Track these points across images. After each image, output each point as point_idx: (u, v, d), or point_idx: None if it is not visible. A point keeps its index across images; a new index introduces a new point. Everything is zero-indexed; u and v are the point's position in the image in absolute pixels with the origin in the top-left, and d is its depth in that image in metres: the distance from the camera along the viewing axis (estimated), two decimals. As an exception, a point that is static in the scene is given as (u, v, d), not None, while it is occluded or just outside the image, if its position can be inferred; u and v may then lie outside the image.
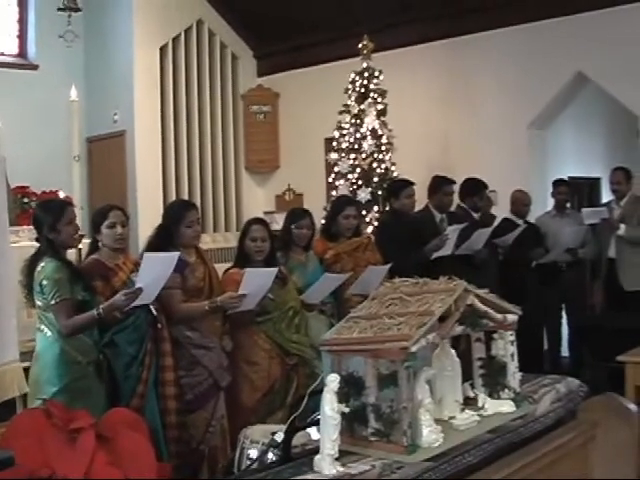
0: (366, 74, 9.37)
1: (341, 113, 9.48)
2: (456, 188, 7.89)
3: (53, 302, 4.56)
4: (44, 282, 4.60)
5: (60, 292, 4.56)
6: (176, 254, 4.73)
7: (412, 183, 7.53)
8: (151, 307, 4.89)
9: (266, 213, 11.02)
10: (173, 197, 10.72)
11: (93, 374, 4.67)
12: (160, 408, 4.90)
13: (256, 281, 5.14)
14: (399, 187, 7.58)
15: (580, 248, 8.29)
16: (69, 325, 4.56)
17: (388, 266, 6.17)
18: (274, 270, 5.25)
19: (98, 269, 4.92)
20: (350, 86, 9.42)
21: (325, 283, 5.83)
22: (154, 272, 4.61)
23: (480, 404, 3.18)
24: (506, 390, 3.26)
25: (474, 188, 8.00)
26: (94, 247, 5.07)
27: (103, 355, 4.79)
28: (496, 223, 8.19)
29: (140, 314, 4.85)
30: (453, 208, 7.96)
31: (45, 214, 4.86)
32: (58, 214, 4.80)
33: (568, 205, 8.83)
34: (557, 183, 8.74)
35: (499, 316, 3.17)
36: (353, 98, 9.39)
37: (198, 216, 5.41)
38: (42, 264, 4.65)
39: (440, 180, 7.75)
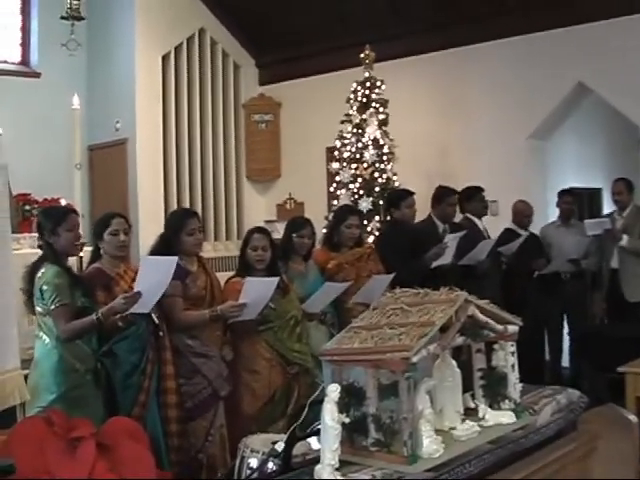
0: (368, 84, 9.37)
1: (343, 123, 9.47)
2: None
3: (53, 307, 4.56)
4: (44, 287, 4.60)
5: (60, 297, 4.57)
6: (174, 258, 4.72)
7: (412, 193, 7.54)
8: (153, 315, 4.89)
9: (267, 222, 11.01)
10: (174, 205, 10.73)
11: (91, 383, 4.66)
12: (161, 416, 4.90)
13: (256, 290, 5.14)
14: (399, 197, 7.59)
15: (583, 259, 8.29)
16: (68, 330, 4.56)
17: (391, 275, 6.16)
18: (275, 280, 5.25)
19: (100, 278, 4.92)
20: (352, 96, 9.41)
21: (326, 292, 5.83)
22: (153, 276, 4.60)
23: (481, 415, 3.18)
24: (506, 401, 3.27)
25: (471, 193, 8.05)
26: (96, 255, 5.07)
27: (101, 364, 4.78)
28: (497, 233, 8.21)
29: (142, 323, 4.85)
30: (459, 219, 7.98)
31: (47, 218, 4.88)
32: (60, 219, 4.81)
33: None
34: (562, 193, 8.74)
35: (500, 327, 3.18)
36: (355, 108, 9.39)
37: (199, 224, 5.41)
38: (42, 270, 4.66)
39: (444, 190, 7.77)
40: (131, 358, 4.82)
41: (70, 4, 9.49)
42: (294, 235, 6.14)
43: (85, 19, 10.01)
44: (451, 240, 7.13)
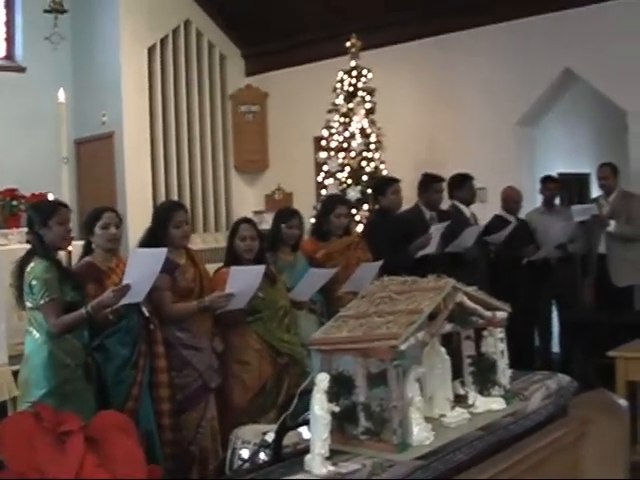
0: (354, 73, 9.37)
1: (330, 112, 9.47)
2: (446, 186, 7.92)
3: (42, 302, 4.55)
4: (33, 282, 4.59)
5: (49, 292, 4.55)
6: (164, 250, 4.72)
7: (397, 180, 7.56)
8: (143, 309, 4.88)
9: (256, 213, 11.02)
10: (162, 198, 10.70)
11: (82, 377, 4.65)
12: (154, 410, 4.90)
13: (243, 279, 5.14)
14: (385, 184, 7.61)
15: (570, 244, 8.30)
16: (58, 324, 4.55)
17: (380, 262, 6.17)
18: (261, 267, 5.25)
19: (91, 272, 4.91)
20: (338, 85, 9.42)
21: (312, 279, 5.82)
22: (142, 268, 4.60)
23: (470, 401, 3.18)
24: (496, 387, 3.27)
25: (460, 181, 8.07)
26: (88, 249, 5.06)
27: (92, 358, 4.78)
28: (486, 220, 8.23)
29: (133, 316, 4.85)
30: (446, 206, 7.99)
31: (38, 210, 4.88)
32: (52, 211, 4.80)
33: (557, 201, 8.84)
34: (545, 179, 8.76)
35: (488, 313, 3.18)
36: (342, 97, 9.39)
37: (187, 217, 5.41)
38: (32, 264, 4.64)
39: (430, 178, 7.77)
40: (122, 352, 4.82)
41: (53, -3, 9.47)
42: (283, 225, 6.14)
43: (68, 12, 9.98)
44: (435, 231, 7.15)
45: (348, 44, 9.48)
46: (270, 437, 3.03)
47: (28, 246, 4.86)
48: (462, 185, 8.07)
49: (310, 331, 5.11)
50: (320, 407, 2.65)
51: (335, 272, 5.98)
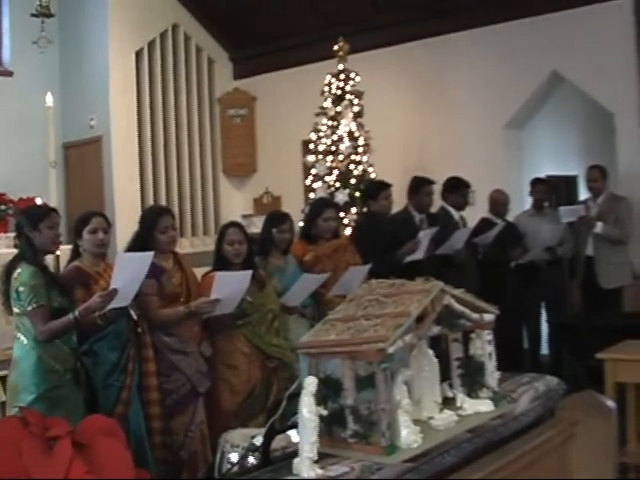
0: (342, 76, 9.38)
1: (318, 115, 9.47)
2: (436, 188, 7.90)
3: (29, 308, 4.53)
4: (20, 288, 4.57)
5: (36, 298, 4.54)
6: (150, 254, 4.71)
7: (389, 185, 7.54)
8: (132, 313, 4.88)
9: (244, 216, 11.01)
10: (151, 202, 10.70)
11: (71, 382, 4.64)
12: (144, 414, 4.90)
13: (228, 285, 5.13)
14: (376, 189, 7.58)
15: (558, 246, 8.32)
16: (46, 331, 4.54)
17: (368, 266, 6.15)
18: (248, 273, 5.23)
19: (79, 276, 4.90)
20: (326, 88, 9.42)
21: (304, 284, 5.81)
22: (129, 272, 4.60)
23: (459, 404, 3.18)
24: (484, 389, 3.26)
25: (455, 185, 8.05)
26: (75, 253, 5.05)
27: (81, 363, 4.76)
28: (474, 223, 8.23)
29: (121, 321, 4.85)
30: (436, 209, 7.98)
31: (29, 214, 4.86)
32: (43, 215, 4.80)
33: (546, 204, 8.86)
34: (535, 182, 8.77)
35: (476, 316, 3.18)
36: (329, 100, 9.39)
37: (173, 222, 5.40)
38: (19, 270, 4.62)
39: (420, 181, 7.76)
40: (111, 356, 4.83)
41: (40, 1, 9.42)
42: (274, 230, 6.11)
43: (55, 16, 9.95)
44: (424, 236, 7.14)
45: (336, 47, 9.48)
46: (258, 441, 3.02)
47: (16, 251, 4.85)
48: (456, 190, 8.02)
49: (301, 335, 5.10)
50: (308, 410, 2.65)
51: (327, 277, 5.98)
